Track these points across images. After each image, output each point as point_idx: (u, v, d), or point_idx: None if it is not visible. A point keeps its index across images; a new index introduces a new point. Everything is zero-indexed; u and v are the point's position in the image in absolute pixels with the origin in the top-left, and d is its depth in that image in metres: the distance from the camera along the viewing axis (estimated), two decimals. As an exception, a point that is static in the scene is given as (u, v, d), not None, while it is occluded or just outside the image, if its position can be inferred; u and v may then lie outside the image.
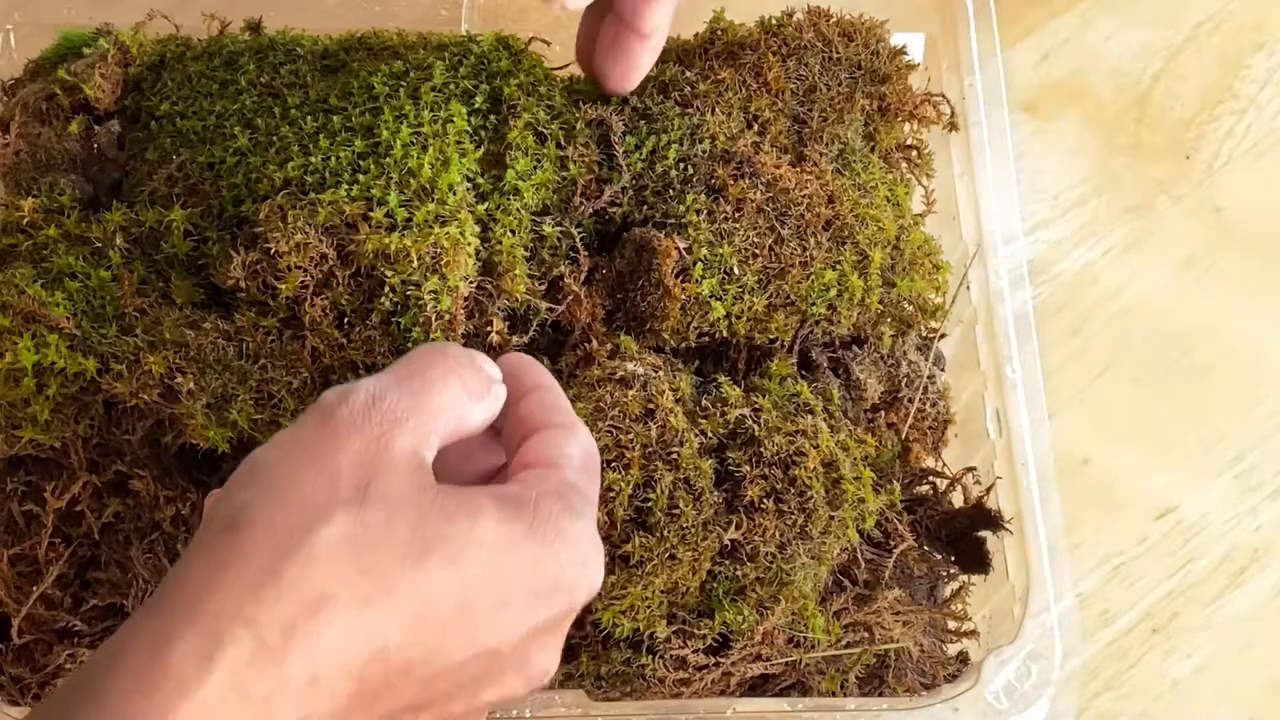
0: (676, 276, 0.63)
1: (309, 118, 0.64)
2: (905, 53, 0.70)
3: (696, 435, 0.61)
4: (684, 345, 0.65)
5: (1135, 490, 0.85)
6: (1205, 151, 0.94)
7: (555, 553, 0.46)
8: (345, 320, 0.60)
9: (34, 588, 0.60)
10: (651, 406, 0.60)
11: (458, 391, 0.48)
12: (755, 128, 0.67)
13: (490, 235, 0.62)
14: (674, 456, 0.60)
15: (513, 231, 0.62)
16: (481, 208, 0.62)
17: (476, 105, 0.64)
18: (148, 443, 0.62)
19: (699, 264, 0.63)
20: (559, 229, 0.64)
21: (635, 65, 0.64)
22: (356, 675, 0.42)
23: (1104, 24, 0.97)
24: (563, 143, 0.65)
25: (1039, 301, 0.89)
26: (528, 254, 0.63)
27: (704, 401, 0.63)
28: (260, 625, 0.41)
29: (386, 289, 0.59)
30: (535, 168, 0.64)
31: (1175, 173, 0.93)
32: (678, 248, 0.63)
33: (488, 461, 0.53)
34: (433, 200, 0.60)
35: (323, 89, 0.65)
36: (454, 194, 0.61)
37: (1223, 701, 0.80)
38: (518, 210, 0.63)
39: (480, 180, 0.63)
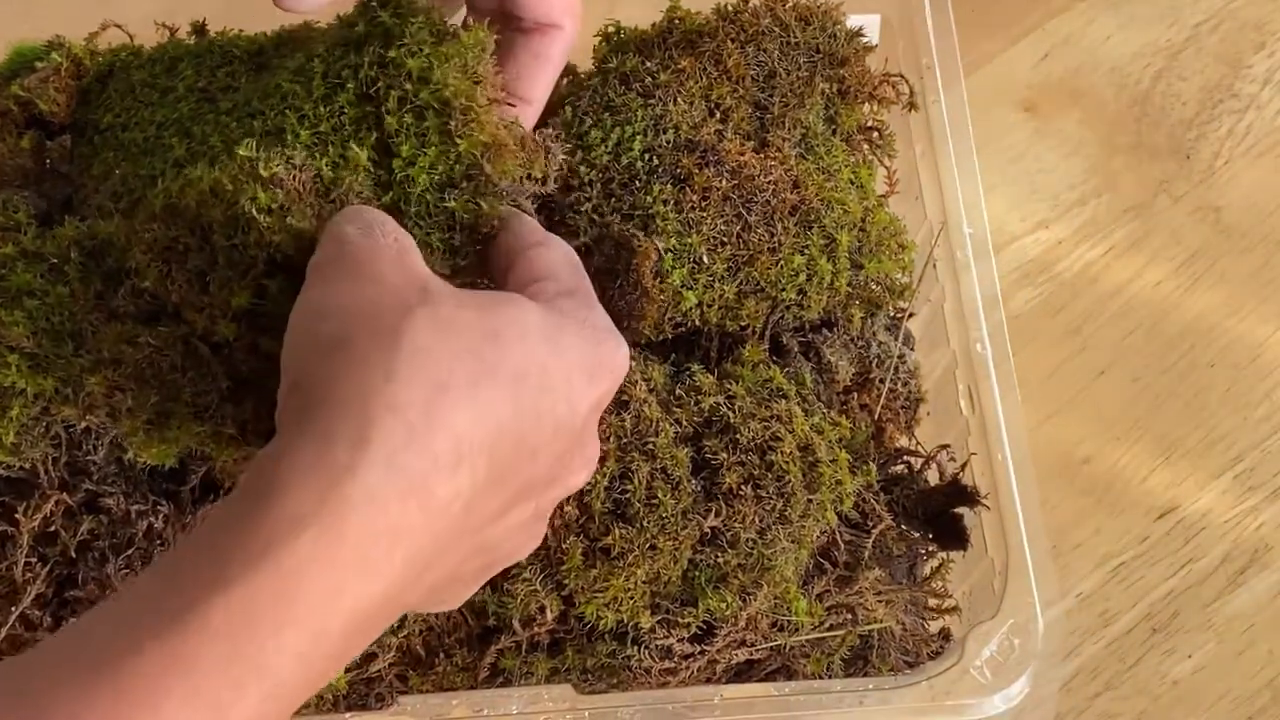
0: (654, 276, 0.63)
1: (235, 123, 0.61)
2: (862, 35, 0.70)
3: (672, 425, 0.61)
4: (659, 337, 0.65)
5: (1135, 490, 0.86)
6: (1205, 151, 0.94)
7: (588, 337, 0.49)
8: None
9: (13, 608, 0.59)
10: (625, 398, 0.60)
11: (391, 220, 0.51)
12: (718, 116, 0.67)
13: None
14: (650, 447, 0.60)
15: (420, 223, 0.58)
16: (387, 198, 0.58)
17: (353, 90, 0.58)
18: (113, 459, 0.61)
19: (669, 254, 0.63)
20: (470, 202, 0.58)
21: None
22: (489, 449, 0.44)
23: (1104, 24, 0.97)
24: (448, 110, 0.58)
25: (1039, 301, 0.90)
26: (448, 234, 0.58)
27: (678, 391, 0.63)
28: (403, 409, 0.42)
29: None
30: (420, 150, 0.57)
31: (1175, 173, 0.93)
32: (657, 249, 0.63)
33: None
34: (333, 203, 0.56)
35: (250, 91, 0.62)
36: (357, 194, 0.57)
37: (1223, 701, 0.81)
38: (420, 197, 0.57)
39: (380, 171, 0.58)
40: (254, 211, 0.53)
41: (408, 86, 0.56)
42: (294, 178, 0.54)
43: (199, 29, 0.68)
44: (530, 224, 0.55)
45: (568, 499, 0.58)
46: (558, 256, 0.53)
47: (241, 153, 0.54)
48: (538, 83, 0.60)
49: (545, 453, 0.47)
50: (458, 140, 0.56)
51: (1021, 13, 0.97)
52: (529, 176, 0.58)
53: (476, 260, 0.57)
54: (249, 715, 0.39)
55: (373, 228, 0.48)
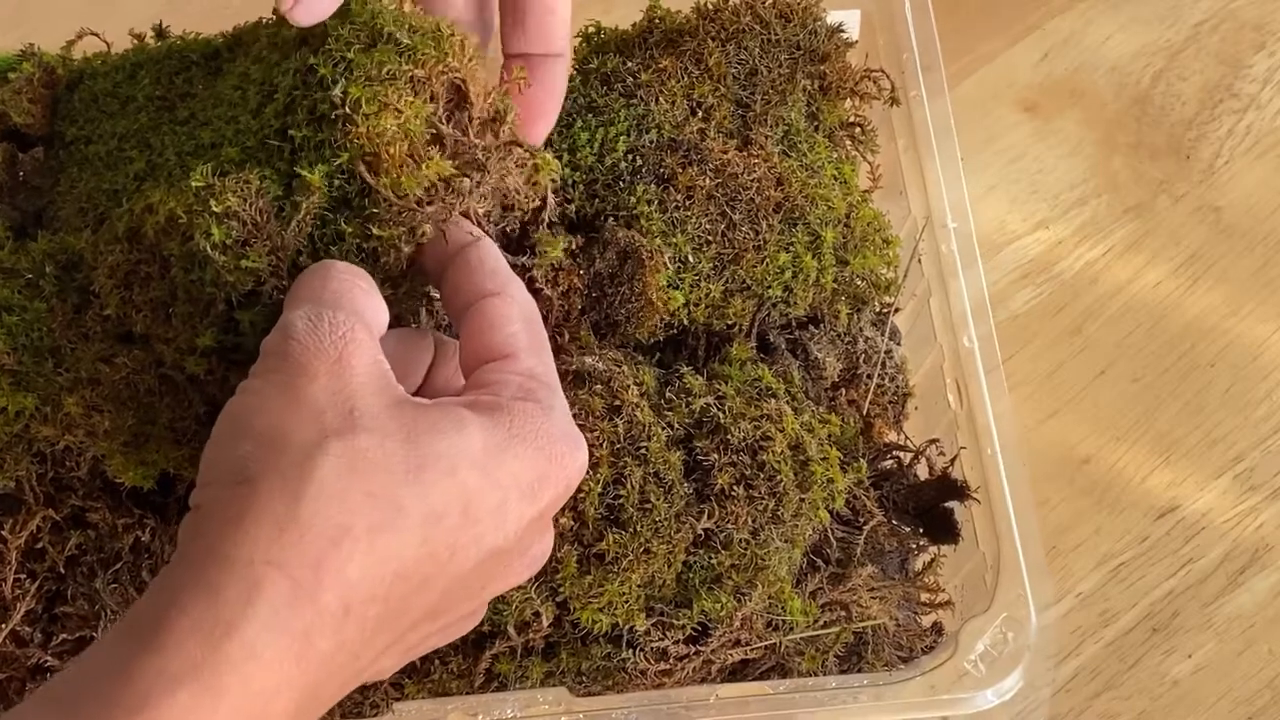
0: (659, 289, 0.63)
1: (187, 135, 0.58)
2: (843, 30, 0.70)
3: (663, 428, 0.61)
4: (651, 340, 0.65)
5: (1135, 490, 0.86)
6: (1205, 151, 0.94)
7: (539, 449, 0.48)
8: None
9: (2, 625, 0.59)
10: (617, 403, 0.60)
11: (362, 289, 0.49)
12: (700, 114, 0.66)
13: None
14: (643, 451, 0.59)
15: (330, 251, 0.53)
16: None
17: (280, 101, 0.53)
18: (97, 474, 0.61)
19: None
20: (362, 225, 0.52)
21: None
22: (382, 598, 0.44)
23: (1104, 24, 0.97)
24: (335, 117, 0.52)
25: (1039, 301, 0.90)
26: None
27: (667, 393, 0.63)
28: (291, 566, 0.42)
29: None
30: (314, 166, 0.52)
31: (1175, 173, 0.94)
32: (665, 263, 0.63)
33: (423, 363, 0.54)
34: (295, 231, 0.52)
35: (205, 98, 0.59)
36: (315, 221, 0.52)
37: (1223, 701, 0.81)
38: (319, 219, 0.52)
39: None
40: (208, 249, 0.51)
41: (316, 95, 0.52)
42: (250, 206, 0.51)
43: (160, 31, 0.66)
44: (490, 259, 0.52)
45: (563, 509, 0.58)
46: (518, 324, 0.50)
47: (194, 183, 0.51)
48: (548, 113, 0.59)
49: (461, 583, 0.47)
50: (340, 151, 0.51)
51: (1021, 13, 0.97)
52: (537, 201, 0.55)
53: (418, 287, 0.55)
54: None
55: (321, 318, 0.47)
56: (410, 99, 0.50)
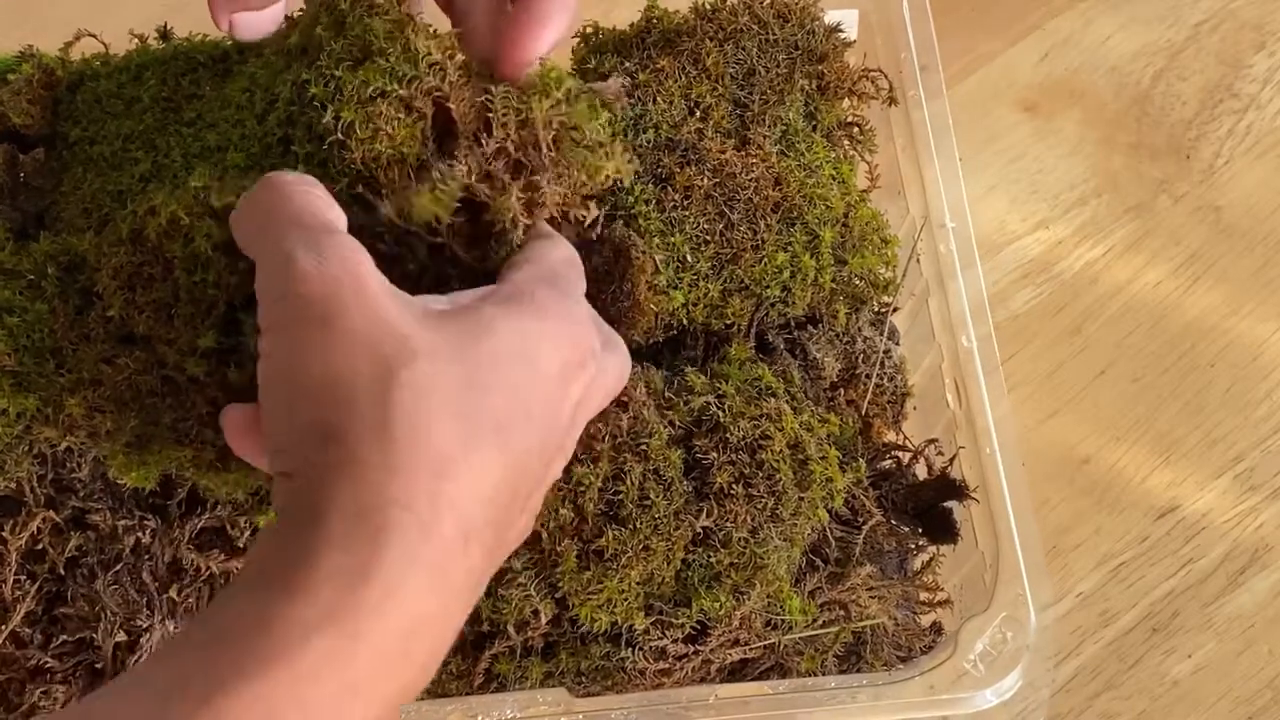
0: (649, 289, 0.63)
1: (193, 136, 0.59)
2: (841, 30, 0.70)
3: (666, 427, 0.61)
4: (651, 341, 0.65)
5: (1135, 490, 0.86)
6: (1205, 151, 0.94)
7: (567, 327, 0.48)
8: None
9: (2, 626, 0.59)
10: (624, 399, 0.60)
11: (319, 198, 0.48)
12: (698, 114, 0.67)
13: None
14: (644, 448, 0.59)
15: None
16: None
17: (282, 109, 0.55)
18: (98, 475, 0.61)
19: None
20: None
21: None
22: (493, 522, 0.44)
23: (1104, 24, 0.98)
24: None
25: (1039, 301, 0.90)
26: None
27: (667, 393, 0.63)
28: (409, 504, 0.42)
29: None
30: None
31: (1175, 173, 0.94)
32: (654, 261, 0.63)
33: None
34: None
35: (212, 100, 0.60)
36: None
37: (1223, 701, 0.81)
38: None
39: None
40: (209, 250, 0.51)
41: (312, 115, 0.52)
42: None
43: (164, 34, 0.67)
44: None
45: (562, 501, 0.58)
46: (556, 253, 0.52)
47: (194, 182, 0.51)
48: (548, 16, 0.54)
49: (536, 481, 0.47)
50: (339, 176, 0.51)
51: (1021, 13, 0.97)
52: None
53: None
54: None
55: (319, 246, 0.45)
56: (402, 119, 0.50)
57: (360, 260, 0.45)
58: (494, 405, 0.45)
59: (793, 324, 0.68)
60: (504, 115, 0.51)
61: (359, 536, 0.41)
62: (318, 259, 0.45)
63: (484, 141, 0.51)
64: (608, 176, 0.54)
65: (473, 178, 0.51)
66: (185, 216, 0.51)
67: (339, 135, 0.50)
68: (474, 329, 0.46)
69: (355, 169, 0.50)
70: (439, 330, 0.45)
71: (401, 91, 0.50)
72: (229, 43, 0.62)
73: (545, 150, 0.52)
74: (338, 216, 0.48)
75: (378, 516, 0.42)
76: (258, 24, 0.53)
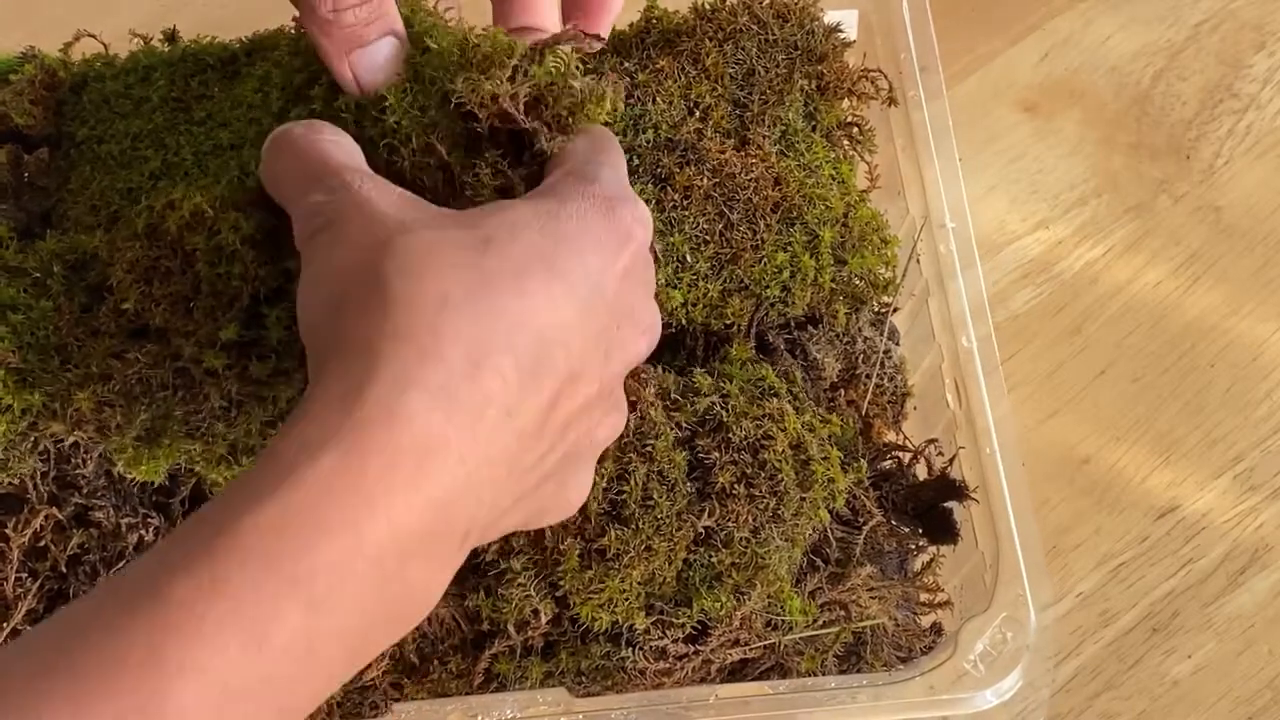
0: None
1: (205, 135, 0.61)
2: (840, 30, 0.70)
3: (672, 429, 0.61)
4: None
5: (1135, 490, 0.86)
6: (1205, 151, 0.94)
7: (595, 204, 0.49)
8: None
9: (3, 624, 0.59)
10: (633, 399, 0.60)
11: (329, 139, 0.51)
12: (697, 114, 0.67)
13: None
14: (649, 449, 0.60)
15: None
16: None
17: (306, 107, 0.58)
18: (102, 473, 0.61)
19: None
20: None
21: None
22: (510, 351, 0.45)
23: (1104, 24, 0.98)
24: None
25: (1039, 301, 0.90)
26: None
27: (673, 394, 0.63)
28: (408, 334, 0.43)
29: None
30: None
31: (1175, 173, 0.94)
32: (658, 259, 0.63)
33: None
34: None
35: (222, 100, 0.61)
36: None
37: (1223, 701, 0.81)
38: None
39: None
40: (236, 243, 0.52)
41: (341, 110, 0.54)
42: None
43: (170, 36, 0.67)
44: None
45: None
46: (577, 141, 0.53)
47: (221, 177, 0.53)
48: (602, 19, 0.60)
49: (578, 336, 0.47)
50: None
51: (1021, 13, 0.97)
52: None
53: None
54: (291, 633, 0.40)
55: (334, 188, 0.48)
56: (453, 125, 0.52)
57: (374, 183, 0.48)
58: (510, 260, 0.46)
59: (792, 324, 0.68)
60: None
61: (354, 366, 0.43)
62: (328, 196, 0.48)
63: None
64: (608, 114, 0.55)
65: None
66: (209, 209, 0.53)
67: (395, 140, 0.52)
68: (489, 213, 0.48)
69: (399, 169, 0.53)
70: (452, 213, 0.48)
71: (463, 97, 0.52)
72: (236, 45, 0.63)
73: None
74: (350, 152, 0.50)
75: (372, 347, 0.43)
76: (375, 61, 0.53)
